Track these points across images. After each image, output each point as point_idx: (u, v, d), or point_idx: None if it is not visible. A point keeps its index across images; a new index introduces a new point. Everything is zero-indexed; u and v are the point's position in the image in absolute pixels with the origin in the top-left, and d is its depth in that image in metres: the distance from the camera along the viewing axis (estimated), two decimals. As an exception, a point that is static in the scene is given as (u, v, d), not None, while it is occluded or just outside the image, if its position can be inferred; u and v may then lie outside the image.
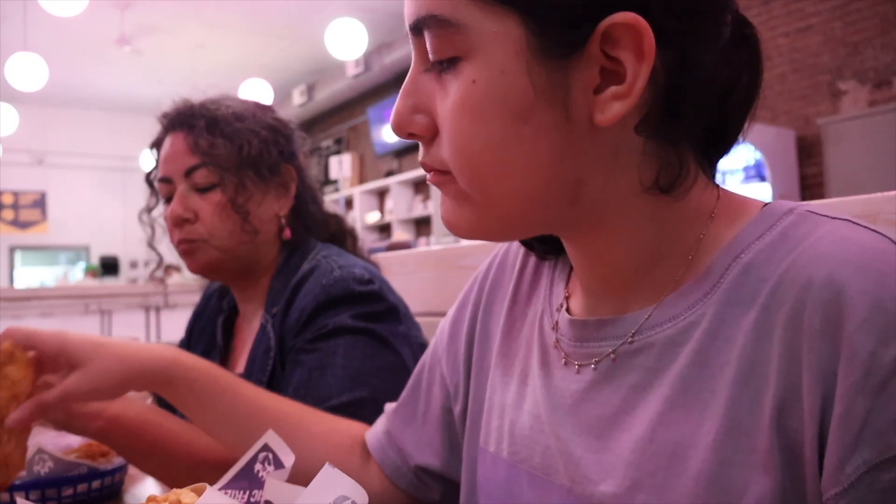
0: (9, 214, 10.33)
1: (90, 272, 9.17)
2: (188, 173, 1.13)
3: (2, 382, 0.74)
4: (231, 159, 1.13)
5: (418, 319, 1.20)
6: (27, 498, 0.88)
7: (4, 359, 0.75)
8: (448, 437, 0.78)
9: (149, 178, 1.24)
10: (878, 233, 0.48)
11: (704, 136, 0.56)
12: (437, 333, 0.82)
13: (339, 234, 1.30)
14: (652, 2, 0.49)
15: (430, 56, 0.54)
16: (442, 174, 0.56)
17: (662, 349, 0.54)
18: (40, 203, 10.52)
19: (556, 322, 0.65)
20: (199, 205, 1.14)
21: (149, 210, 1.25)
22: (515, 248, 0.76)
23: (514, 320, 0.71)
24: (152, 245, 1.27)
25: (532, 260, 0.73)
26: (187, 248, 1.15)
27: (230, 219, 1.14)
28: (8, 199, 10.31)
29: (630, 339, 0.56)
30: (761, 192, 5.07)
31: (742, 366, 0.49)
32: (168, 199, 1.17)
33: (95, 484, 0.95)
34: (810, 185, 5.09)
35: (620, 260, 0.57)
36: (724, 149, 0.60)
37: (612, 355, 0.57)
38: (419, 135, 0.57)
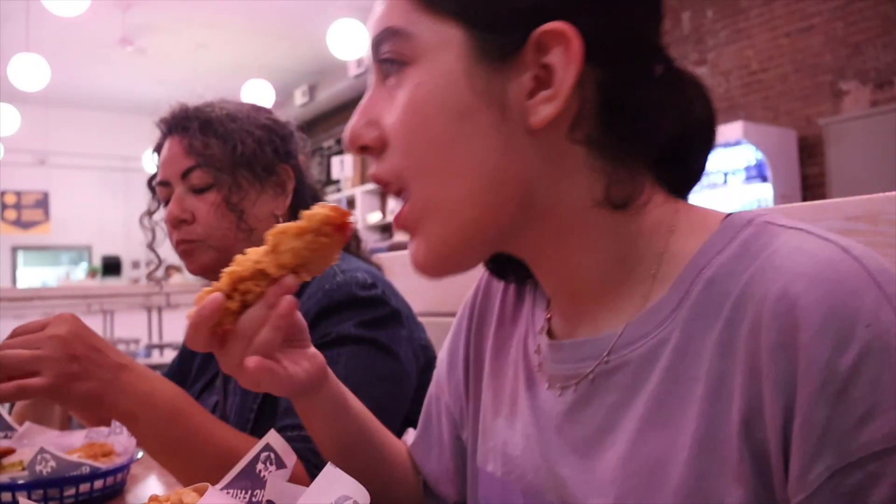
0: (11, 214, 10.33)
1: (91, 273, 9.16)
2: (184, 175, 1.15)
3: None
4: (225, 159, 1.15)
5: (419, 320, 1.20)
6: (29, 498, 0.89)
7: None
8: (462, 465, 0.79)
9: (150, 183, 1.25)
10: (830, 241, 0.49)
11: (664, 163, 0.59)
12: (437, 364, 0.84)
13: None
14: (581, 15, 0.53)
15: (384, 67, 0.58)
16: (397, 191, 0.60)
17: (637, 368, 0.56)
18: (43, 203, 10.52)
19: (539, 345, 0.66)
20: (196, 205, 1.15)
21: (150, 214, 1.27)
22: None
23: (501, 343, 0.73)
24: (152, 248, 1.29)
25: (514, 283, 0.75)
26: (186, 249, 1.16)
27: (225, 218, 1.15)
28: (10, 200, 10.32)
29: (606, 359, 0.58)
30: (763, 192, 5.07)
31: (710, 381, 0.51)
32: (167, 203, 1.19)
33: (97, 484, 0.95)
34: (812, 185, 5.08)
35: (585, 277, 0.60)
36: (689, 177, 0.62)
37: (591, 376, 0.59)
38: (370, 147, 0.60)
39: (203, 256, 1.16)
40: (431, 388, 0.84)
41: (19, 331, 0.82)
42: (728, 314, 0.51)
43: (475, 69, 0.55)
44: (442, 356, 0.83)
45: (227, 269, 0.62)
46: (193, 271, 1.18)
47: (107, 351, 0.83)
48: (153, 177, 1.24)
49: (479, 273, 0.79)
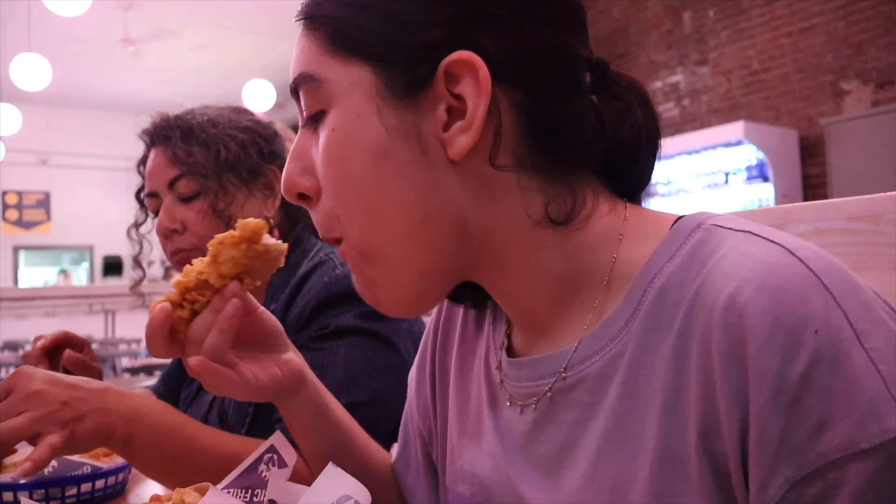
0: (13, 214, 10.34)
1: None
2: (171, 184, 1.15)
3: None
4: (209, 165, 1.15)
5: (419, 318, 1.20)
6: (31, 497, 0.89)
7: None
8: (435, 482, 0.78)
9: (138, 196, 1.26)
10: (777, 243, 0.47)
11: (608, 169, 0.58)
12: (408, 382, 0.83)
13: None
14: (486, 40, 0.52)
15: (304, 113, 0.58)
16: (339, 242, 0.59)
17: (594, 383, 0.54)
18: (44, 203, 10.53)
19: (500, 361, 0.65)
20: (185, 214, 1.15)
21: (137, 226, 1.27)
22: None
23: (464, 358, 0.72)
24: (138, 261, 1.29)
25: None
26: (181, 259, 1.16)
27: (214, 225, 1.14)
28: (12, 199, 10.33)
29: (563, 376, 0.56)
30: (764, 192, 5.06)
31: (667, 394, 0.49)
32: (157, 213, 1.19)
33: (99, 483, 0.95)
34: (813, 185, 5.08)
35: (534, 295, 0.58)
36: (637, 181, 0.61)
37: (549, 393, 0.57)
38: (307, 195, 0.59)
39: None
40: (406, 408, 0.83)
41: None
42: (680, 325, 0.49)
43: (385, 107, 0.54)
44: (412, 374, 0.82)
45: (175, 280, 0.65)
46: None
47: (81, 383, 0.80)
48: (141, 189, 1.24)
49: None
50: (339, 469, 0.61)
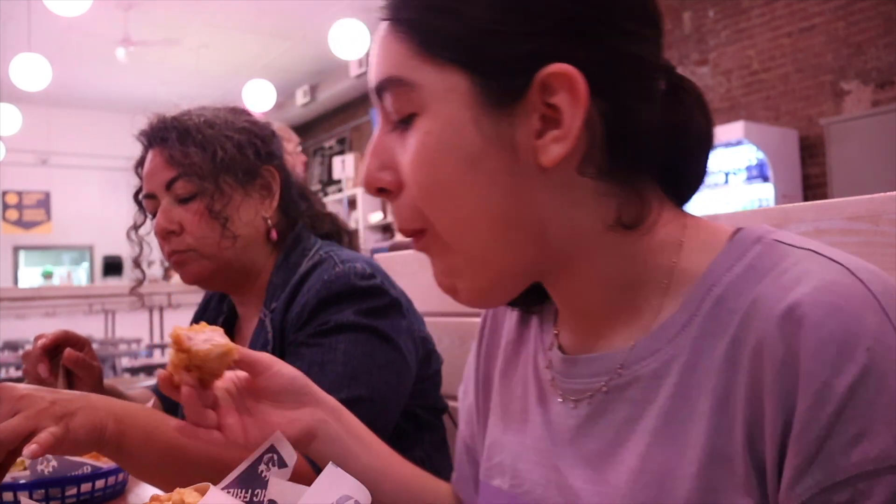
0: (13, 214, 10.34)
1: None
2: (169, 186, 1.15)
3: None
4: (206, 166, 1.14)
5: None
6: (31, 497, 0.89)
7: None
8: None
9: (136, 197, 1.26)
10: (838, 262, 0.50)
11: (667, 173, 0.60)
12: (459, 398, 0.85)
13: (335, 232, 1.30)
14: (582, 53, 0.54)
15: (392, 115, 0.59)
16: (420, 234, 0.61)
17: (647, 383, 0.57)
18: (44, 203, 10.54)
19: (550, 360, 0.67)
20: (182, 216, 1.15)
21: (136, 227, 1.27)
22: None
23: (509, 361, 0.75)
24: (138, 263, 1.29)
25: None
26: (178, 260, 1.16)
27: (210, 226, 1.14)
28: (12, 199, 10.33)
29: (619, 373, 0.59)
30: (764, 192, 5.06)
31: (717, 396, 0.52)
32: (155, 215, 1.19)
33: (99, 483, 0.95)
34: (813, 185, 5.08)
35: (597, 297, 0.61)
36: (692, 184, 0.63)
37: (605, 388, 0.60)
38: (388, 189, 0.61)
39: (196, 266, 1.16)
40: (458, 433, 0.85)
41: None
42: (734, 332, 0.52)
43: (482, 115, 0.55)
44: (460, 389, 0.85)
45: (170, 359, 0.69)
46: (188, 282, 1.18)
47: (62, 391, 0.80)
48: (139, 190, 1.24)
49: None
50: (338, 469, 0.61)
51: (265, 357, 0.74)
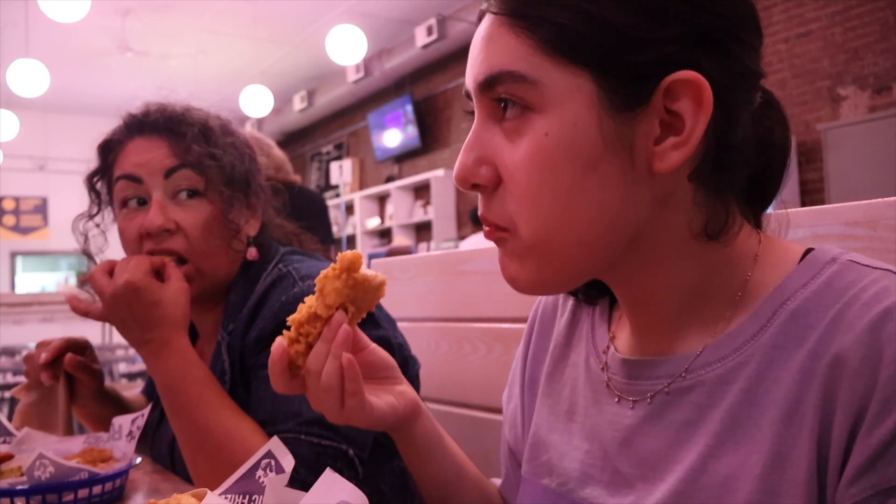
0: (10, 220, 10.32)
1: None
2: (168, 174, 1.07)
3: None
4: (221, 173, 1.09)
5: (418, 324, 1.20)
6: (28, 503, 0.88)
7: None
8: None
9: (91, 181, 1.16)
10: None
11: (749, 186, 0.61)
12: (503, 403, 0.86)
13: (294, 233, 1.27)
14: (705, 63, 0.54)
15: (498, 111, 0.58)
16: (500, 230, 0.60)
17: (713, 387, 0.58)
18: (41, 209, 10.52)
19: (606, 362, 0.68)
20: (181, 215, 1.07)
21: (90, 216, 1.17)
22: (554, 297, 0.80)
23: (556, 363, 0.76)
24: (89, 253, 1.18)
25: (570, 305, 0.77)
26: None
27: (215, 234, 1.08)
28: (9, 205, 10.31)
29: (683, 376, 0.60)
30: (762, 197, 5.06)
31: (788, 404, 0.53)
32: (124, 202, 1.10)
33: (96, 489, 0.95)
34: (810, 190, 5.08)
35: (670, 301, 0.62)
36: (767, 197, 0.65)
37: (667, 390, 0.61)
38: (483, 185, 0.60)
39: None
40: (502, 438, 0.86)
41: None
42: (812, 345, 0.53)
43: (605, 118, 0.54)
44: (504, 394, 0.86)
45: (290, 317, 0.68)
46: None
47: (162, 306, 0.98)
48: (98, 171, 1.14)
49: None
50: (335, 474, 0.61)
51: (361, 333, 0.74)
